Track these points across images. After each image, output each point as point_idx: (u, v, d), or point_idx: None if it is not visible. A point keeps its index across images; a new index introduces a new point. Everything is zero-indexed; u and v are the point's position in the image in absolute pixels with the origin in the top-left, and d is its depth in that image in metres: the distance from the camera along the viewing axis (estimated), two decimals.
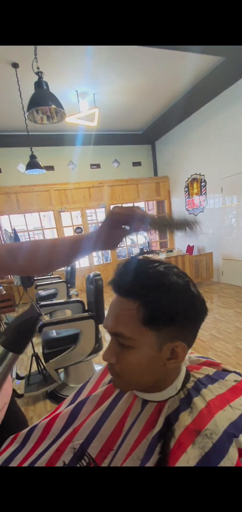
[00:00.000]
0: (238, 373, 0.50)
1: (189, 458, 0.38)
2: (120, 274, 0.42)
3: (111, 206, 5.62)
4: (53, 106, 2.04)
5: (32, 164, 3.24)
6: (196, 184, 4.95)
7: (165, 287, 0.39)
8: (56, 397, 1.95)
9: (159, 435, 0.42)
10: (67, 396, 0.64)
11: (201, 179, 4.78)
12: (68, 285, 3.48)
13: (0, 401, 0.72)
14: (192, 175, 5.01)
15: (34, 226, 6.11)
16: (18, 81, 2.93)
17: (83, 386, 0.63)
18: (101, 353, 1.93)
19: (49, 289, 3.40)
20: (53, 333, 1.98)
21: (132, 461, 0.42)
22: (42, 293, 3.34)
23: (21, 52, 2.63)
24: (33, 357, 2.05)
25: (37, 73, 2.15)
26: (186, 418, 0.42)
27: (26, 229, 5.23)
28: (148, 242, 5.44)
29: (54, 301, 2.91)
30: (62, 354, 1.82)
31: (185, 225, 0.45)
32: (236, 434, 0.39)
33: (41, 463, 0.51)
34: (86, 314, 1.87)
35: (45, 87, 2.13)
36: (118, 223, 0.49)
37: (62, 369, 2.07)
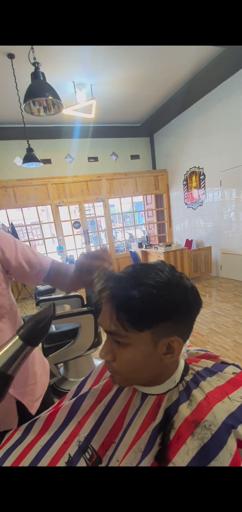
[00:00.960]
0: (237, 366, 0.51)
1: (188, 449, 0.39)
2: (109, 285, 0.44)
3: (110, 201, 5.64)
4: (50, 97, 2.00)
5: (29, 157, 3.19)
6: (195, 178, 4.92)
7: (155, 288, 0.39)
8: (56, 391, 1.96)
9: (159, 427, 0.43)
10: (67, 390, 0.64)
11: (200, 172, 4.75)
12: None
13: (37, 392, 0.76)
14: (190, 168, 4.97)
15: (32, 220, 6.08)
16: (14, 72, 2.86)
17: (84, 381, 0.63)
18: (100, 347, 1.94)
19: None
20: (53, 327, 1.98)
21: (134, 453, 0.43)
22: (41, 288, 3.32)
23: None
24: None
25: (33, 64, 2.10)
26: (185, 410, 0.42)
27: (23, 224, 5.19)
28: (147, 236, 5.43)
29: (53, 296, 2.90)
30: (61, 349, 1.83)
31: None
32: (234, 425, 0.39)
33: (49, 455, 0.52)
34: (85, 308, 1.87)
35: (42, 78, 2.09)
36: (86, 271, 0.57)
37: (61, 364, 2.08)
